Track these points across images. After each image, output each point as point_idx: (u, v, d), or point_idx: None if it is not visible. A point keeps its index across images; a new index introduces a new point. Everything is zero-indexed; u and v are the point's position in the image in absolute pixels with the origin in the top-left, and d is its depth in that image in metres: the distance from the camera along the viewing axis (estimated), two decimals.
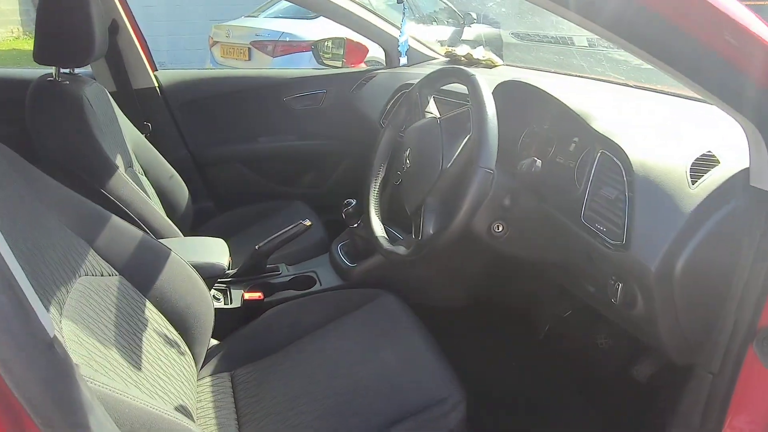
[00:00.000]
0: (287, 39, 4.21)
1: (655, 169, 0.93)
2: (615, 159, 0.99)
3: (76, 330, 0.75)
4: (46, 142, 1.32)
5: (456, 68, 1.25)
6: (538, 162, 1.13)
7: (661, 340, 0.94)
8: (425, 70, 1.99)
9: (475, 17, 4.70)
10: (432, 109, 1.32)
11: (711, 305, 0.84)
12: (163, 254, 1.05)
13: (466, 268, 1.47)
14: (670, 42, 0.69)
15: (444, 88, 1.37)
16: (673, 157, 0.94)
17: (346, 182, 2.17)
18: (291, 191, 2.16)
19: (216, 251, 1.30)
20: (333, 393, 1.05)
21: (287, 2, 2.64)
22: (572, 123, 1.15)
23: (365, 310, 1.27)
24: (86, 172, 1.32)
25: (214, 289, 1.40)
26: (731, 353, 0.80)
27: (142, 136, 1.70)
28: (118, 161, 1.39)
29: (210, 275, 1.23)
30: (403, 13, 2.01)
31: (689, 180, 0.88)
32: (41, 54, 1.32)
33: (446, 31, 4.21)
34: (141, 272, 1.01)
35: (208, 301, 1.10)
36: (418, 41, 2.16)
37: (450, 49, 2.15)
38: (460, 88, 1.22)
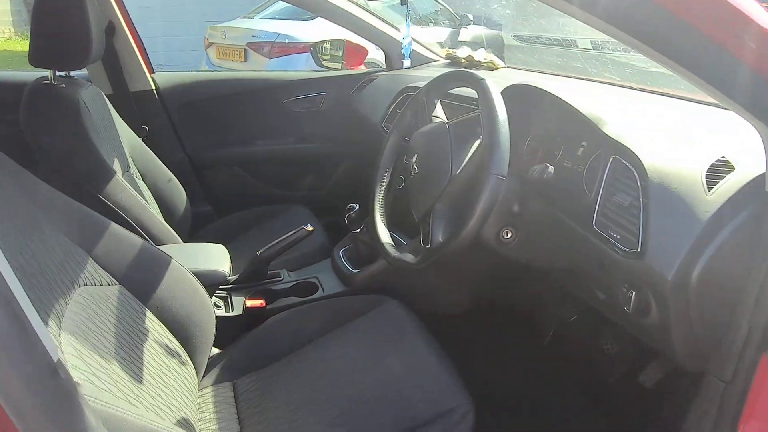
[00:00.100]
0: (284, 40, 4.19)
1: (670, 175, 0.91)
2: (628, 164, 0.97)
3: (76, 344, 0.73)
4: (41, 146, 1.30)
5: (464, 72, 1.23)
6: (551, 168, 1.11)
7: (674, 347, 0.93)
8: (426, 72, 1.98)
9: (472, 19, 4.69)
10: (439, 113, 1.30)
11: (725, 313, 0.82)
12: (164, 262, 1.03)
13: (472, 273, 1.45)
14: (688, 46, 0.68)
15: (450, 91, 1.35)
16: (688, 162, 0.92)
17: (345, 185, 2.16)
18: (290, 194, 2.14)
19: (217, 258, 1.28)
20: (338, 402, 1.03)
21: (284, 3, 2.61)
22: (580, 127, 1.13)
23: (369, 317, 1.25)
24: (83, 177, 1.30)
25: (215, 296, 1.38)
26: (744, 361, 0.79)
27: (139, 140, 1.67)
28: (116, 165, 1.37)
29: (211, 283, 1.21)
30: (407, 15, 1.99)
31: (705, 186, 0.87)
32: (37, 56, 1.30)
33: (444, 33, 4.20)
34: (141, 281, 0.98)
35: (210, 310, 1.08)
36: (419, 43, 2.15)
37: (451, 51, 2.13)
38: (467, 91, 1.19)
